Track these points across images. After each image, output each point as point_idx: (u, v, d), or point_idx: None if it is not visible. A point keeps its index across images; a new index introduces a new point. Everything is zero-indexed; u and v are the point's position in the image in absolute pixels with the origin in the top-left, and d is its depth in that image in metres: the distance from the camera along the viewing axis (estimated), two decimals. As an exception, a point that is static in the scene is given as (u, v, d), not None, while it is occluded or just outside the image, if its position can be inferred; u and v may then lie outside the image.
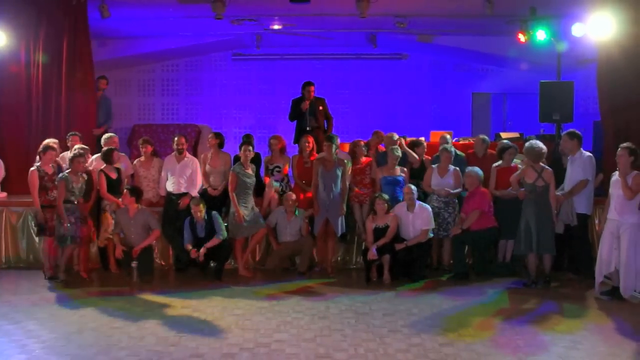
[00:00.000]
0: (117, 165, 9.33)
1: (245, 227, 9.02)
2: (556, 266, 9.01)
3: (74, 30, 10.78)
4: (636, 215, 7.60)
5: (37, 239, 9.57)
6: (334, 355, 5.75)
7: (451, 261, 9.18)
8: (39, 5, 10.71)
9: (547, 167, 8.48)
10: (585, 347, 6.02)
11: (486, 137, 10.29)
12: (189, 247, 8.77)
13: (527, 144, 8.61)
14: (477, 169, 9.04)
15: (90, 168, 9.30)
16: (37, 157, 9.02)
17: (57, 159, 9.12)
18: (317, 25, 13.73)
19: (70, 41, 10.75)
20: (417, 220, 8.77)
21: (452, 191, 9.13)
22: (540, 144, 8.49)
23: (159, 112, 16.58)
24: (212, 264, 8.96)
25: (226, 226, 9.00)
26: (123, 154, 10.14)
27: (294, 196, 9.26)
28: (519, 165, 9.02)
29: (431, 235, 8.90)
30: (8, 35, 10.55)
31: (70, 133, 9.88)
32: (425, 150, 10.14)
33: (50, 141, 9.20)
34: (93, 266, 9.37)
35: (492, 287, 8.39)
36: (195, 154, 11.59)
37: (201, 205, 8.82)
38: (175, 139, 9.61)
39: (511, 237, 8.84)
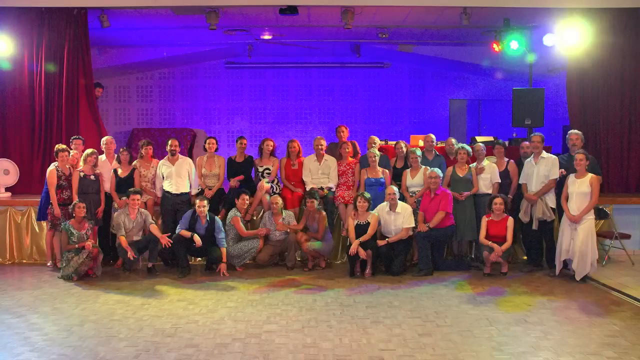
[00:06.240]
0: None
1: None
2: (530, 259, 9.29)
3: (75, 38, 10.68)
4: (592, 211, 8.21)
5: (42, 233, 9.58)
6: (320, 345, 5.75)
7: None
8: (42, 15, 10.63)
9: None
10: (555, 337, 6.03)
11: (455, 140, 10.26)
12: (184, 233, 8.72)
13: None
14: (438, 169, 9.01)
15: (97, 170, 9.26)
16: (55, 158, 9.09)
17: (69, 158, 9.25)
18: (304, 35, 13.73)
19: (71, 49, 10.66)
20: (399, 219, 8.76)
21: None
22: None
23: (156, 116, 16.55)
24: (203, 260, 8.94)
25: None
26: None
27: (279, 199, 9.24)
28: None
29: (412, 233, 8.89)
30: (13, 43, 10.51)
31: (73, 137, 9.79)
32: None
33: (60, 145, 9.25)
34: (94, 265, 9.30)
35: (464, 280, 8.42)
36: (191, 156, 11.54)
37: (205, 202, 8.80)
38: (169, 141, 9.56)
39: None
